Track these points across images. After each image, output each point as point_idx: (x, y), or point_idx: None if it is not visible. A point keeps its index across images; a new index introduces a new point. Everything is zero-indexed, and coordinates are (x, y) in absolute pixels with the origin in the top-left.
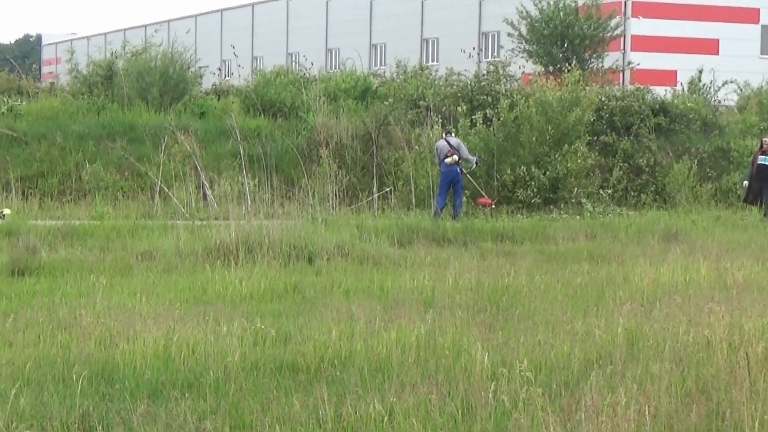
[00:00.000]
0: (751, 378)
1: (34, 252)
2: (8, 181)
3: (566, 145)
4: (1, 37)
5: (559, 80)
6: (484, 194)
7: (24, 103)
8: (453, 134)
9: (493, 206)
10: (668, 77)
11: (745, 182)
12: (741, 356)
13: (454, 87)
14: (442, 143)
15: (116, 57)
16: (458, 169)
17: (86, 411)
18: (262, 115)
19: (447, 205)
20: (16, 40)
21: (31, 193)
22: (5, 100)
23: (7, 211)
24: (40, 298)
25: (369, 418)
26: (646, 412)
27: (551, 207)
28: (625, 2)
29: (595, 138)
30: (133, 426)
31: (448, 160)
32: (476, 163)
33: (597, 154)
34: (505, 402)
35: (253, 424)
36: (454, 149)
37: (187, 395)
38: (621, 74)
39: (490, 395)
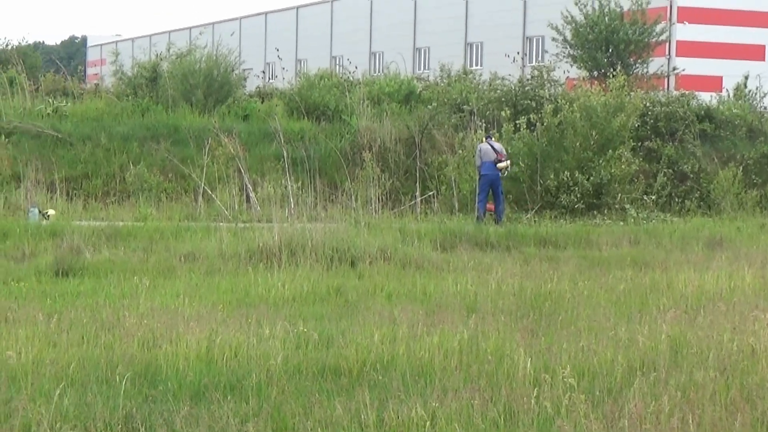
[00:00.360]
0: None
1: (78, 253)
2: (53, 182)
3: (610, 151)
4: (47, 39)
5: (604, 85)
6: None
7: (69, 104)
8: (493, 138)
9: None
10: (713, 83)
11: None
12: None
13: (498, 91)
14: (486, 146)
15: (161, 59)
16: (499, 174)
17: (129, 412)
18: (306, 118)
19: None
20: (62, 42)
21: (75, 194)
22: (51, 101)
23: (51, 212)
24: (84, 298)
25: (411, 422)
26: (690, 421)
27: (595, 212)
28: (671, 7)
29: (640, 144)
30: (176, 428)
31: (501, 165)
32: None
33: (641, 159)
34: (548, 408)
35: (295, 427)
36: (499, 153)
37: (229, 397)
38: (666, 80)
39: (533, 401)
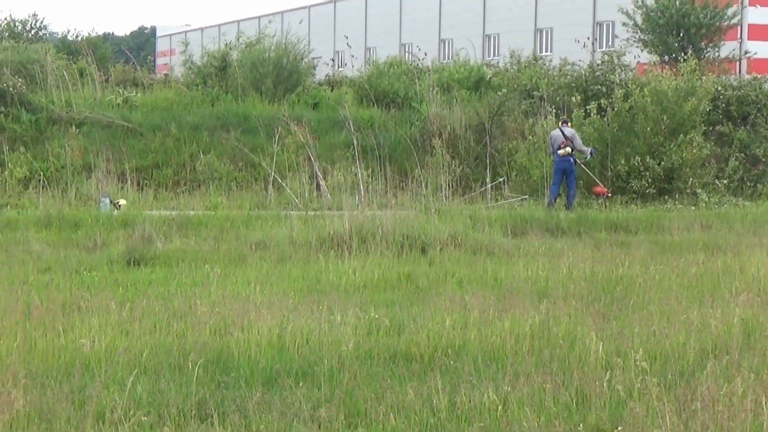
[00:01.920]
0: None
1: (149, 242)
2: (123, 172)
3: (681, 135)
4: (117, 30)
5: (675, 70)
6: (599, 183)
7: (139, 94)
8: (569, 124)
9: (609, 195)
10: None
11: None
12: None
13: (568, 77)
14: (556, 133)
15: (230, 48)
16: (572, 160)
17: (202, 399)
18: (375, 105)
19: (561, 195)
20: (131, 32)
21: (146, 184)
22: (120, 91)
23: (122, 202)
24: (155, 287)
25: (483, 407)
26: (764, 402)
27: (666, 197)
28: None
29: (711, 128)
30: (249, 414)
31: (560, 151)
32: (591, 154)
33: (713, 144)
34: (620, 391)
35: (367, 413)
36: (569, 140)
37: (301, 384)
38: (737, 64)
39: (605, 385)
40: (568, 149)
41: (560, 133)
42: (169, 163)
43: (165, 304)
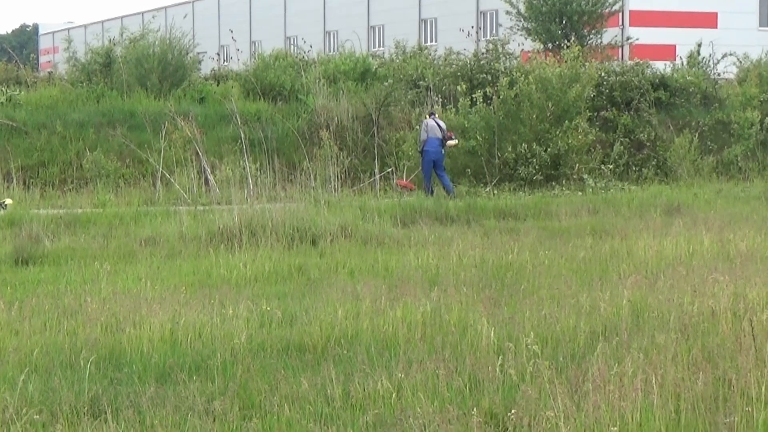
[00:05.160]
0: (756, 345)
1: (37, 241)
2: (9, 171)
3: (567, 122)
4: None
5: (559, 57)
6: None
7: (23, 92)
8: (436, 116)
9: (413, 189)
10: (667, 51)
11: None
12: (745, 325)
13: (454, 66)
14: (431, 122)
15: (114, 44)
16: (443, 151)
17: (95, 395)
18: (262, 98)
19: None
20: (13, 30)
21: (32, 183)
22: (4, 90)
23: (8, 201)
24: (44, 286)
25: (377, 395)
26: (653, 381)
27: (553, 183)
28: None
29: (596, 114)
30: (143, 409)
31: (451, 143)
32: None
33: (598, 129)
34: (513, 375)
35: (261, 404)
36: (444, 131)
37: (195, 378)
38: (620, 49)
39: (497, 369)
40: (456, 141)
41: (435, 124)
42: (56, 161)
43: (55, 303)
